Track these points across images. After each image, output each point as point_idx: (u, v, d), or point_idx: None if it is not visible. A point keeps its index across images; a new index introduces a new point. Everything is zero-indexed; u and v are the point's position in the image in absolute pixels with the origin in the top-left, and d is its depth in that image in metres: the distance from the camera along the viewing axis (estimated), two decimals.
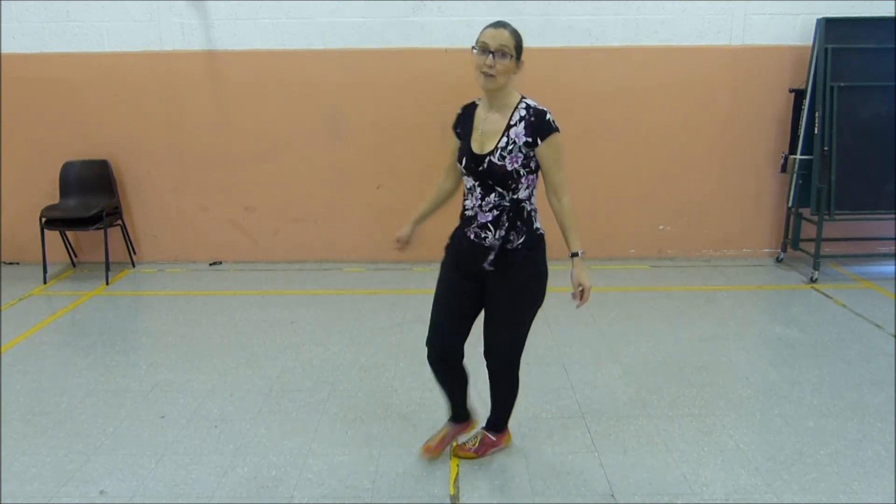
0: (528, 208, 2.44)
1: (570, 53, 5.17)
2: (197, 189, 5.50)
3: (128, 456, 2.88)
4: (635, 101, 5.28)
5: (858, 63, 4.92)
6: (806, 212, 5.29)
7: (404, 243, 2.74)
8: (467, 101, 2.57)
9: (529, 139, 2.35)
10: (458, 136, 2.53)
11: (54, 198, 5.34)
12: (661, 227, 5.59)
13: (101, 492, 2.65)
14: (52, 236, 5.36)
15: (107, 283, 5.19)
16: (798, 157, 5.13)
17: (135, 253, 5.64)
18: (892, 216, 5.15)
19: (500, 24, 2.33)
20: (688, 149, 5.40)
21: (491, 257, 2.43)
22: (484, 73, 2.30)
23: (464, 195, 2.53)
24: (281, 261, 5.66)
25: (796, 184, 5.21)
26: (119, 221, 5.46)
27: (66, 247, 5.55)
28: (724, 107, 5.31)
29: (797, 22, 5.16)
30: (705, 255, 5.67)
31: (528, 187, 2.42)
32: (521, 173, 2.37)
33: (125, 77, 5.24)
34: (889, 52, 4.88)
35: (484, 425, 2.90)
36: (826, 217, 5.00)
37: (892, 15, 4.93)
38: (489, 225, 2.41)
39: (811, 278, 5.08)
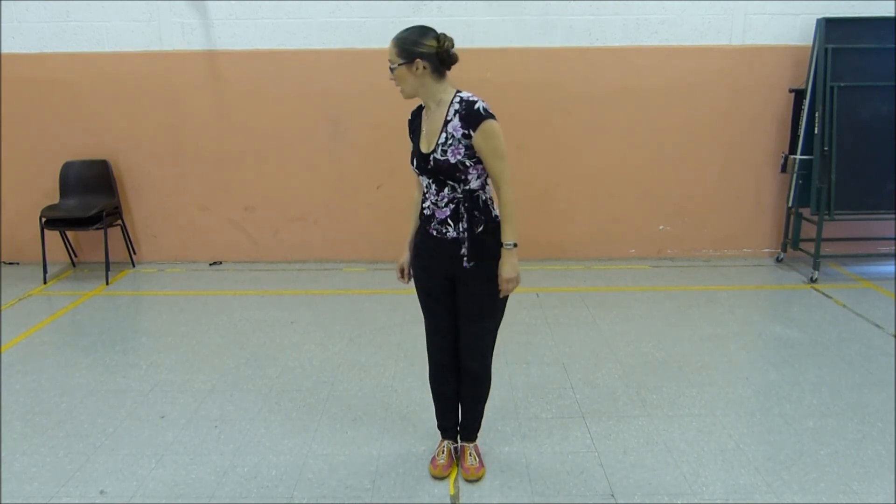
0: (484, 197, 2.44)
1: (570, 53, 5.17)
2: (197, 189, 5.51)
3: (128, 456, 2.88)
4: (635, 101, 5.28)
5: (858, 63, 4.92)
6: (806, 212, 5.29)
7: (408, 273, 2.66)
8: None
9: (465, 131, 2.34)
10: (413, 140, 2.56)
11: (54, 198, 5.34)
12: (661, 227, 5.59)
13: (101, 492, 2.65)
14: (52, 236, 5.36)
15: (107, 283, 5.19)
16: (798, 157, 5.13)
17: (135, 253, 5.64)
18: (893, 216, 5.15)
19: (391, 41, 2.44)
20: (688, 149, 5.40)
21: (463, 252, 2.41)
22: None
23: (423, 196, 2.54)
24: (281, 261, 5.66)
25: (796, 184, 5.21)
26: (119, 221, 5.46)
27: (66, 247, 5.55)
28: (724, 107, 5.32)
29: (797, 22, 5.16)
30: (705, 255, 5.67)
31: (479, 177, 2.40)
32: (467, 164, 2.36)
33: (125, 77, 5.24)
34: (889, 52, 4.88)
35: (466, 438, 2.79)
36: (826, 217, 5.00)
37: (892, 15, 4.93)
38: (448, 220, 2.42)
39: (811, 278, 5.08)
